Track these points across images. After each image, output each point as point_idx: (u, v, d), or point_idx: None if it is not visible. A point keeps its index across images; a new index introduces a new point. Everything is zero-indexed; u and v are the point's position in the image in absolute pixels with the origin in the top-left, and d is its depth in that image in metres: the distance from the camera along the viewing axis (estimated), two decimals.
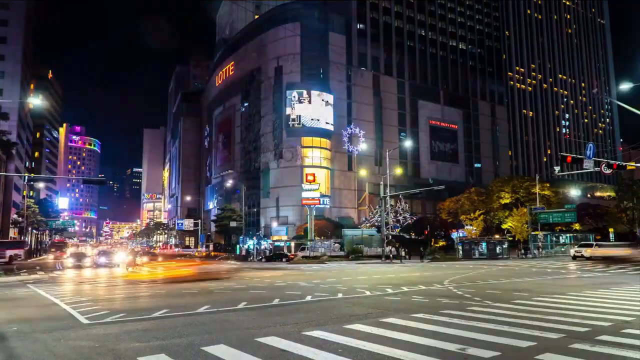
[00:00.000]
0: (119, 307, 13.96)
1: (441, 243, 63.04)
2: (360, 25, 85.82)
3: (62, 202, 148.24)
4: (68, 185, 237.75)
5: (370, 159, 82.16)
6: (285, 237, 70.58)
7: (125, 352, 8.12)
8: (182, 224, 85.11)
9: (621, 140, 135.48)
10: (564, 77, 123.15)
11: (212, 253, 73.55)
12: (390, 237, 51.97)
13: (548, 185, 69.28)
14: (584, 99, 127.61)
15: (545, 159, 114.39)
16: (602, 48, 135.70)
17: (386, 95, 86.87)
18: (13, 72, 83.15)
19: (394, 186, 66.06)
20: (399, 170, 77.75)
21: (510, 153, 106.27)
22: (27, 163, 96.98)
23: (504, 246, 49.66)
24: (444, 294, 16.34)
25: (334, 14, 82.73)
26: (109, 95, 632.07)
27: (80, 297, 16.94)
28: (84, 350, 8.40)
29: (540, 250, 52.23)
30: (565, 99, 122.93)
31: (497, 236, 60.55)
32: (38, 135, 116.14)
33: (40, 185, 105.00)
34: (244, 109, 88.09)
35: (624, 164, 30.32)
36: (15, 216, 72.54)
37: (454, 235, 63.61)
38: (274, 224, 75.29)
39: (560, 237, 58.47)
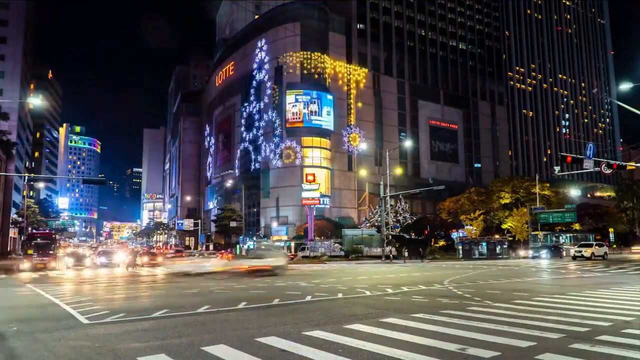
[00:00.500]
0: (119, 307, 13.96)
1: (441, 243, 63.08)
2: (360, 25, 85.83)
3: (62, 202, 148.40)
4: (68, 185, 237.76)
5: (370, 159, 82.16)
6: (285, 237, 70.56)
7: (125, 352, 8.12)
8: (182, 224, 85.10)
9: (621, 140, 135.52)
10: (564, 77, 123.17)
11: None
12: (390, 237, 51.97)
13: (548, 185, 69.29)
14: (584, 99, 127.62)
15: (545, 159, 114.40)
16: (602, 48, 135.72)
17: (386, 95, 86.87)
18: (13, 72, 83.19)
19: (394, 186, 66.08)
20: (399, 170, 77.76)
21: (510, 153, 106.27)
22: (27, 163, 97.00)
23: (504, 246, 49.69)
24: (444, 294, 16.34)
25: (334, 14, 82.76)
26: (109, 95, 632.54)
27: (80, 297, 16.93)
28: (84, 350, 8.39)
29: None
30: (565, 99, 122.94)
31: (497, 236, 60.60)
32: (38, 135, 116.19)
33: (40, 185, 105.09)
34: (244, 109, 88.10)
35: (624, 164, 30.33)
36: (15, 216, 72.57)
37: (454, 235, 63.66)
38: (274, 224, 75.29)
39: (560, 237, 58.46)
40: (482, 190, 68.56)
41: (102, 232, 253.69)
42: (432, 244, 59.69)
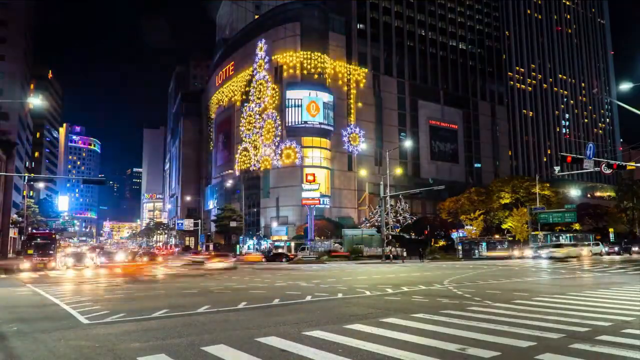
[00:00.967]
0: (119, 307, 13.96)
1: (441, 243, 63.06)
2: (360, 25, 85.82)
3: (62, 202, 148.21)
4: (68, 185, 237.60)
5: (370, 159, 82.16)
6: (285, 237, 70.58)
7: (125, 352, 8.12)
8: (182, 224, 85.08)
9: (621, 140, 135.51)
10: (564, 77, 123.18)
11: (212, 253, 73.55)
12: (390, 237, 51.97)
13: (548, 185, 69.28)
14: (584, 99, 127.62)
15: (545, 159, 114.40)
16: (602, 48, 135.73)
17: (386, 95, 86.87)
18: (13, 72, 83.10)
19: (394, 186, 66.07)
20: (399, 170, 77.75)
21: (510, 153, 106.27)
22: (27, 163, 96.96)
23: (504, 246, 49.69)
24: (444, 294, 16.34)
25: (333, 14, 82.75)
26: (109, 95, 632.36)
27: (80, 297, 16.93)
28: (84, 350, 8.40)
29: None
30: (565, 99, 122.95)
31: (497, 236, 60.60)
32: (38, 135, 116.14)
33: (40, 185, 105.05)
34: (244, 109, 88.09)
35: (624, 164, 30.33)
36: (15, 216, 72.55)
37: (454, 235, 63.65)
38: (274, 224, 75.29)
39: (561, 237, 58.46)
40: (482, 190, 68.55)
41: (102, 232, 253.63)
42: (432, 244, 59.69)
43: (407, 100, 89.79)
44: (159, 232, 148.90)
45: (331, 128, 78.14)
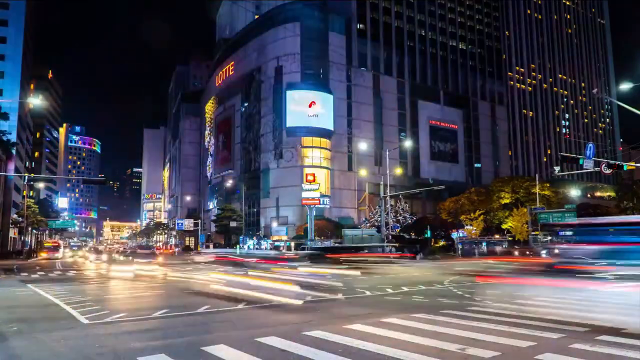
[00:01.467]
0: (119, 307, 13.96)
1: (441, 243, 63.04)
2: (360, 25, 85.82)
3: (62, 202, 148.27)
4: (68, 185, 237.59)
5: (370, 159, 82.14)
6: (285, 237, 70.58)
7: (125, 352, 8.12)
8: (182, 224, 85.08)
9: (621, 140, 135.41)
10: (564, 77, 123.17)
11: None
12: (390, 237, 51.96)
13: (548, 185, 69.25)
14: (584, 99, 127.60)
15: (545, 159, 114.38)
16: (602, 48, 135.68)
17: (386, 95, 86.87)
18: (13, 72, 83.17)
19: (394, 186, 66.05)
20: (399, 170, 77.74)
21: (510, 153, 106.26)
22: (27, 163, 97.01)
23: (504, 246, 49.70)
24: (444, 294, 16.35)
25: (333, 14, 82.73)
26: (109, 95, 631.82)
27: (81, 297, 16.93)
28: (84, 350, 8.40)
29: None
30: (565, 99, 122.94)
31: (497, 236, 60.59)
32: (38, 135, 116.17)
33: (40, 185, 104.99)
34: (243, 109, 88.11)
35: (624, 163, 30.34)
36: (15, 216, 72.57)
37: (454, 235, 63.62)
38: (274, 224, 75.30)
39: None
40: (482, 190, 68.52)
41: (102, 232, 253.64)
42: (432, 244, 59.68)
43: (407, 100, 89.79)
44: (159, 232, 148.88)
45: (331, 128, 78.14)
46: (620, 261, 9.66)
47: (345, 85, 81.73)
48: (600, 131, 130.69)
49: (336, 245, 46.54)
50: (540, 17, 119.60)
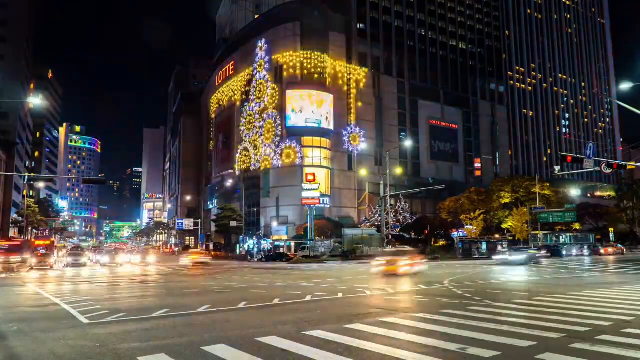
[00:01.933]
0: (119, 306, 13.96)
1: (441, 243, 63.07)
2: (361, 25, 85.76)
3: (62, 202, 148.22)
4: (68, 185, 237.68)
5: (370, 158, 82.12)
6: (285, 237, 70.59)
7: (126, 352, 8.12)
8: (182, 223, 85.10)
9: (621, 140, 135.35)
10: (564, 76, 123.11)
11: (212, 253, 73.71)
12: (390, 236, 51.98)
13: (548, 185, 69.30)
14: (584, 98, 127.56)
15: (545, 159, 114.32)
16: (602, 48, 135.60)
17: (386, 95, 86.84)
18: (13, 72, 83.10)
19: (394, 186, 66.05)
20: (399, 170, 77.72)
21: (510, 153, 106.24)
22: (27, 163, 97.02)
23: (504, 246, 49.65)
24: (444, 294, 16.35)
25: (333, 14, 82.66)
26: (109, 95, 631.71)
27: (81, 296, 16.94)
28: (84, 350, 8.40)
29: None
30: (565, 99, 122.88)
31: (497, 236, 60.60)
32: (38, 135, 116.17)
33: (40, 185, 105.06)
34: (243, 109, 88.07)
35: (624, 163, 30.33)
36: (15, 216, 72.64)
37: (454, 234, 63.66)
38: (274, 224, 75.31)
39: (561, 237, 58.49)
40: (482, 190, 68.57)
41: (102, 231, 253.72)
42: (432, 243, 59.70)
43: (407, 100, 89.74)
44: (159, 231, 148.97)
45: (331, 128, 78.10)
46: None
47: (345, 84, 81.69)
48: (600, 131, 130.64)
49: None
50: (540, 16, 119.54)
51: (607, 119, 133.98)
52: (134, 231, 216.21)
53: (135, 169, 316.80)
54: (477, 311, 12.06)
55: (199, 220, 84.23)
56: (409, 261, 25.00)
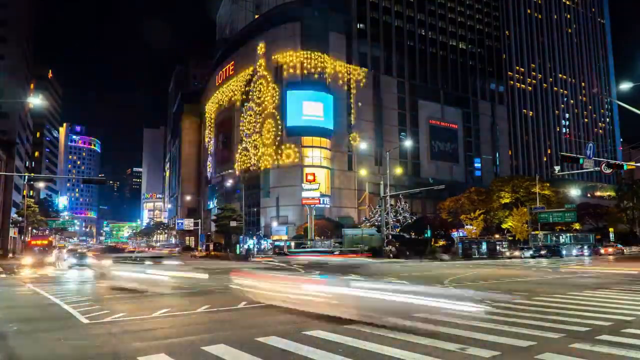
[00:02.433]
0: (119, 306, 13.95)
1: (441, 243, 63.02)
2: (360, 25, 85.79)
3: (62, 202, 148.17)
4: (68, 185, 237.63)
5: (370, 158, 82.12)
6: (285, 237, 70.57)
7: (126, 352, 8.12)
8: (182, 223, 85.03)
9: (621, 140, 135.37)
10: (564, 76, 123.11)
11: (212, 252, 73.66)
12: (390, 236, 51.97)
13: (548, 185, 69.28)
14: (584, 98, 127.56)
15: (545, 159, 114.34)
16: (602, 48, 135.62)
17: (386, 95, 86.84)
18: (13, 72, 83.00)
19: (394, 186, 66.05)
20: (399, 170, 77.73)
21: (510, 153, 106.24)
22: (27, 163, 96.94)
23: (504, 246, 49.64)
24: None
25: (334, 14, 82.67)
26: (109, 95, 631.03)
27: (81, 296, 16.93)
28: (85, 350, 8.40)
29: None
30: (565, 99, 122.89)
31: (497, 236, 60.61)
32: (38, 135, 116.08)
33: (40, 185, 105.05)
34: (243, 109, 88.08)
35: (624, 163, 30.33)
36: (15, 216, 72.59)
37: (454, 234, 63.64)
38: (274, 224, 75.30)
39: (561, 237, 58.46)
40: (482, 190, 68.59)
41: (102, 231, 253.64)
42: (433, 243, 59.63)
43: (407, 100, 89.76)
44: (159, 231, 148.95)
45: (331, 128, 78.12)
46: None
47: (345, 84, 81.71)
48: (600, 131, 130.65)
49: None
50: (540, 16, 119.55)
51: (607, 119, 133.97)
52: (134, 231, 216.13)
53: (135, 169, 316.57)
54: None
55: (199, 220, 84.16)
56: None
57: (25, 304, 15.49)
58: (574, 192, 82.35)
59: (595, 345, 8.13)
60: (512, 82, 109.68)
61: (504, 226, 65.88)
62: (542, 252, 49.85)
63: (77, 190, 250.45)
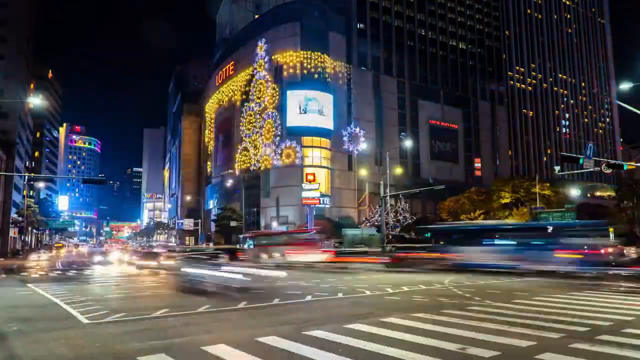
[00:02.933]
0: (119, 306, 13.96)
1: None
2: (361, 25, 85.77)
3: (62, 202, 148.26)
4: (68, 185, 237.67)
5: (370, 158, 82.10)
6: None
7: (126, 352, 8.12)
8: (182, 223, 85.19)
9: (621, 140, 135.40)
10: (564, 76, 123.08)
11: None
12: (390, 236, 51.95)
13: (548, 185, 69.21)
14: (584, 98, 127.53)
15: (545, 159, 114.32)
16: (602, 48, 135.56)
17: (386, 95, 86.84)
18: (13, 72, 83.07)
19: (394, 186, 66.05)
20: (399, 170, 77.66)
21: (510, 153, 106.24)
22: (27, 163, 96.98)
23: None
24: (444, 294, 16.35)
25: (334, 14, 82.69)
26: (109, 95, 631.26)
27: (81, 296, 16.93)
28: (84, 350, 8.40)
29: None
30: (565, 99, 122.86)
31: None
32: (38, 135, 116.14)
33: (40, 185, 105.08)
34: (243, 109, 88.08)
35: (624, 163, 30.34)
36: (15, 216, 72.64)
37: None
38: (274, 224, 75.28)
39: None
40: (482, 190, 68.53)
41: (102, 231, 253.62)
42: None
43: (407, 100, 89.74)
44: (159, 231, 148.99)
45: (331, 128, 78.10)
46: None
47: (345, 85, 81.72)
48: (600, 131, 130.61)
49: None
50: (540, 16, 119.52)
51: (607, 119, 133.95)
52: (134, 231, 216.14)
53: (135, 169, 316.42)
54: (477, 311, 12.06)
55: (199, 220, 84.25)
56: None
57: (26, 303, 15.48)
58: (574, 192, 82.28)
59: (595, 345, 8.14)
60: (512, 82, 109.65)
61: None
62: None
63: (77, 190, 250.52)
